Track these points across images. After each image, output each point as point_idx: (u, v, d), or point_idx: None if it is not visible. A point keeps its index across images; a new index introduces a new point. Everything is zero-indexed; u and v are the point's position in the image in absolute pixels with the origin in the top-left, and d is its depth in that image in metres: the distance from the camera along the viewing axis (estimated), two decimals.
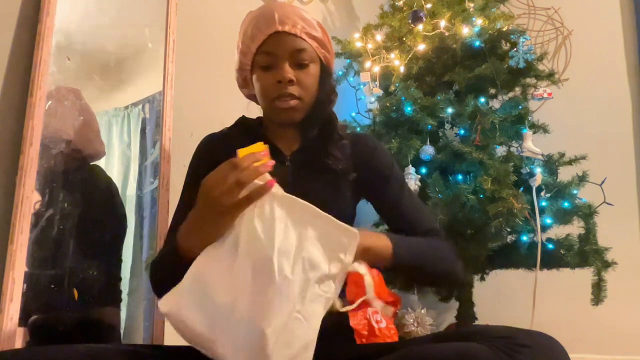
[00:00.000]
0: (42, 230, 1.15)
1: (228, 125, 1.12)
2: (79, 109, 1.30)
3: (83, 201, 1.24)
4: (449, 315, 2.20)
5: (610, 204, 1.88)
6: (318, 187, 0.97)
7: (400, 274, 0.92)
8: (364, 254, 0.80)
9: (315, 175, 0.99)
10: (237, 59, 1.05)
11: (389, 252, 0.87)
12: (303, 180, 0.96)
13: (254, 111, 1.14)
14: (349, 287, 1.05)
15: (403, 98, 2.00)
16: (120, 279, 1.38)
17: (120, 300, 1.36)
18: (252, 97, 1.11)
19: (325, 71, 1.03)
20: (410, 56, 2.12)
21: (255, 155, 0.76)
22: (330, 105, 1.05)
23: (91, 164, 1.34)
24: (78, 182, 1.24)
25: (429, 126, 1.95)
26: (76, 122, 1.28)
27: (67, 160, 1.22)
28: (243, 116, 1.11)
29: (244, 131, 1.06)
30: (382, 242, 0.87)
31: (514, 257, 1.94)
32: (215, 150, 1.04)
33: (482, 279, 2.13)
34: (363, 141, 1.08)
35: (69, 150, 1.23)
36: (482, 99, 1.97)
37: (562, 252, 1.87)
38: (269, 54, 0.97)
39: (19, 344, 1.06)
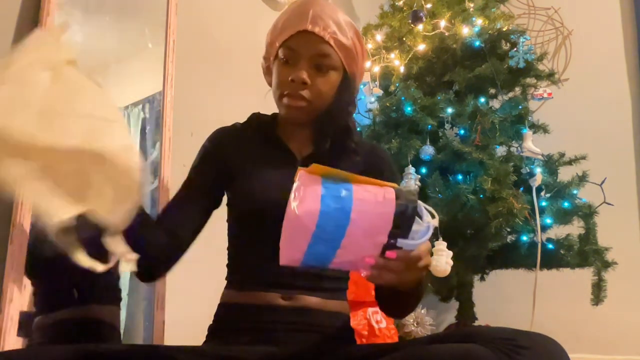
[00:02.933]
0: (42, 230, 1.15)
1: (227, 125, 1.12)
2: None
3: None
4: (449, 315, 2.20)
5: (610, 204, 1.88)
6: None
7: (400, 298, 0.87)
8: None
9: None
10: (265, 47, 1.03)
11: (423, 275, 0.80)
12: None
13: (270, 102, 1.11)
14: (350, 287, 1.05)
15: (403, 98, 2.00)
16: (119, 277, 1.37)
17: (120, 299, 1.36)
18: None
19: (345, 82, 0.98)
20: (410, 56, 2.12)
21: None
22: (346, 116, 1.01)
23: None
24: None
25: (429, 126, 1.95)
26: None
27: None
28: (258, 112, 1.09)
29: (257, 127, 1.05)
30: None
31: (514, 257, 1.94)
32: (227, 143, 1.03)
33: (482, 279, 2.14)
34: (378, 153, 1.07)
35: None
36: (482, 99, 1.97)
37: (562, 252, 1.88)
38: (292, 50, 0.94)
39: (19, 344, 1.06)
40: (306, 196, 0.67)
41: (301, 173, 0.70)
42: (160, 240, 0.89)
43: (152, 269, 0.92)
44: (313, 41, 0.93)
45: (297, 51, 0.94)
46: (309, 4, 0.94)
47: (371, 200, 0.68)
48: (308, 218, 0.66)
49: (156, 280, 0.90)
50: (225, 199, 1.03)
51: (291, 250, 0.69)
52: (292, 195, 0.68)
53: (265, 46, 1.02)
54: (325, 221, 0.66)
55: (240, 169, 0.99)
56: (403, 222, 0.67)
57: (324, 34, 0.92)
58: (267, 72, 1.05)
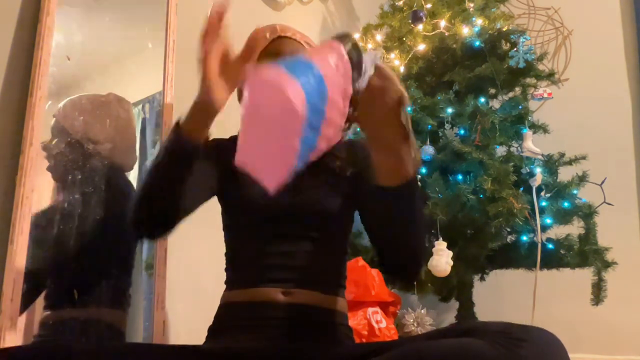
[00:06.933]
0: (43, 230, 1.15)
1: (226, 125, 1.12)
2: (117, 117, 1.36)
3: (84, 202, 1.25)
4: (449, 315, 2.20)
5: (610, 204, 1.88)
6: (312, 184, 0.97)
7: (400, 201, 0.81)
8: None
9: (311, 172, 0.98)
10: None
11: (414, 165, 0.79)
12: (297, 177, 0.96)
13: None
14: (349, 287, 1.05)
15: None
16: (130, 285, 1.37)
17: (129, 305, 1.36)
18: None
19: None
20: (410, 56, 2.12)
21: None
22: None
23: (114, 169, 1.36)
24: (79, 183, 1.24)
25: (429, 126, 1.95)
26: (110, 128, 1.31)
27: (84, 161, 1.24)
28: None
29: None
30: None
31: (514, 257, 1.94)
32: (220, 149, 1.04)
33: (482, 279, 2.14)
34: (358, 146, 1.08)
35: (93, 151, 1.25)
36: (482, 99, 1.97)
37: (562, 252, 1.87)
38: (272, 53, 1.01)
39: (19, 343, 1.06)
40: (273, 78, 0.51)
41: (247, 68, 0.59)
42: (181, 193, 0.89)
43: (164, 219, 0.90)
44: (290, 42, 1.03)
45: (278, 53, 1.01)
46: (271, 24, 1.06)
47: (326, 57, 0.58)
48: (297, 99, 0.50)
49: (154, 237, 0.92)
50: (218, 207, 1.04)
51: (281, 157, 0.54)
52: (249, 95, 0.53)
53: None
54: (311, 95, 0.52)
55: (231, 174, 0.99)
56: (357, 64, 0.61)
57: (296, 37, 1.04)
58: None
